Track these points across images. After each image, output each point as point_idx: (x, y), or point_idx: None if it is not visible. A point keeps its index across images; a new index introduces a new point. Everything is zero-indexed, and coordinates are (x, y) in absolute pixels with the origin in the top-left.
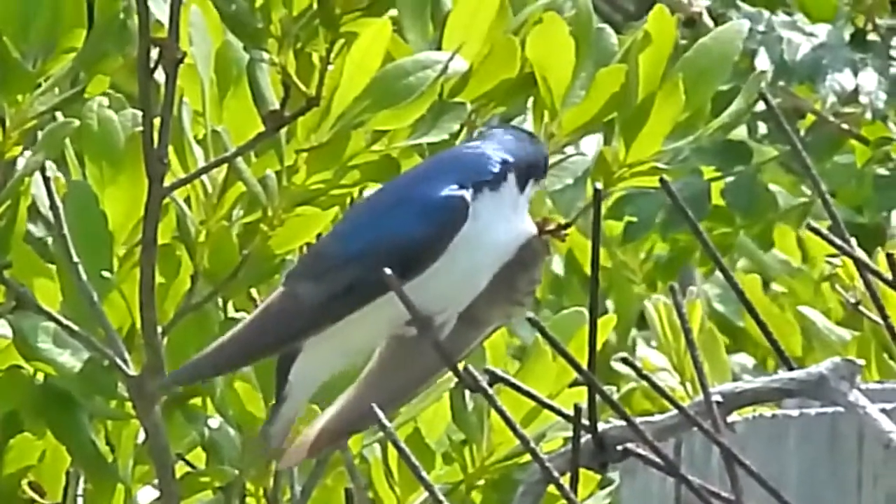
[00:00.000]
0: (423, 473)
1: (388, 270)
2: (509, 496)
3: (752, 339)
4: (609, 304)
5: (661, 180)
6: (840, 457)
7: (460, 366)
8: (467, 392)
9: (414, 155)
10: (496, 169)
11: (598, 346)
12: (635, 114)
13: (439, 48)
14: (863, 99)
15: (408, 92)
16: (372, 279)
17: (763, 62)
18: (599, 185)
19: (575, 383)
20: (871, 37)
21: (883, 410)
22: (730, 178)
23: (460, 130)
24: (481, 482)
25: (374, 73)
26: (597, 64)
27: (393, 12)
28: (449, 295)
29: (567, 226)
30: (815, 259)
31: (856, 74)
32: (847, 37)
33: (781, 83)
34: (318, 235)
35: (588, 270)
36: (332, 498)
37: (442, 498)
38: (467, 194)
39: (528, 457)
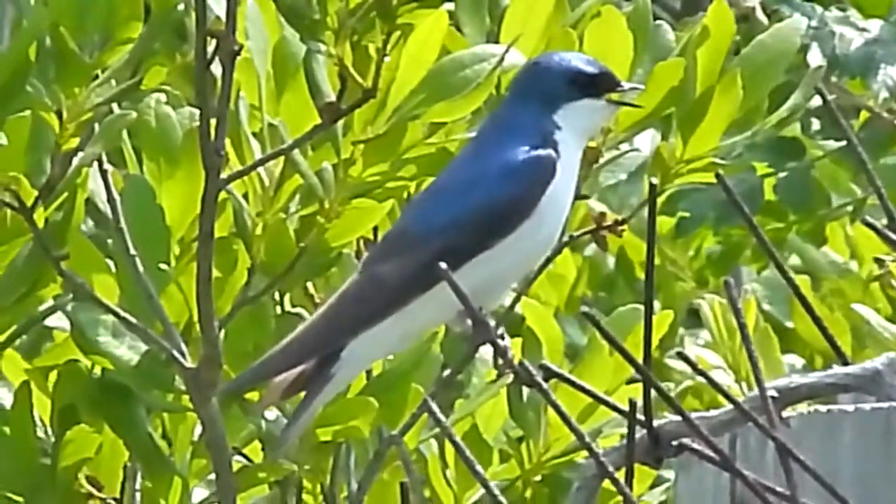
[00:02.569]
0: (479, 469)
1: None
2: (559, 493)
3: (801, 341)
4: (656, 302)
5: (717, 175)
6: (895, 452)
7: (516, 361)
8: (524, 388)
9: None
10: (553, 132)
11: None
12: (693, 109)
13: (497, 42)
14: None
15: (464, 84)
16: (462, 245)
17: (815, 57)
18: (655, 181)
19: (631, 380)
20: None
21: None
22: (783, 175)
23: None
24: (538, 478)
25: (430, 66)
26: (654, 59)
27: (450, 6)
28: (534, 256)
29: (624, 221)
30: (862, 258)
31: None
32: None
33: (834, 79)
34: (375, 228)
35: (637, 269)
36: (388, 493)
37: (498, 493)
38: (553, 153)
39: (584, 453)
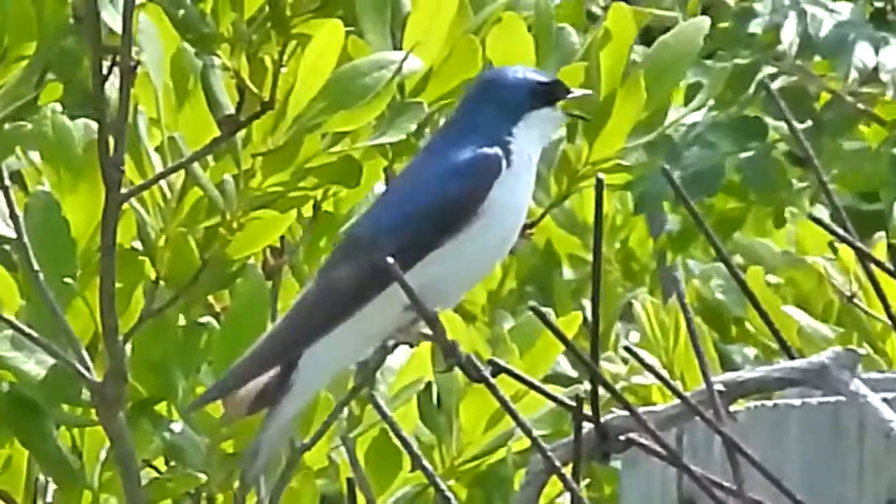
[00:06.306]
0: (425, 462)
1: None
2: (492, 492)
3: (753, 331)
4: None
5: (663, 169)
6: (841, 446)
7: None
8: (435, 394)
9: (375, 156)
10: (508, 139)
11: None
12: (597, 112)
13: (400, 49)
14: (884, 77)
15: (364, 92)
16: (411, 244)
17: (788, 35)
18: (602, 176)
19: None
20: (890, 17)
21: (884, 400)
22: (745, 154)
23: (419, 130)
24: (451, 482)
25: (328, 75)
26: (558, 62)
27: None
28: (487, 257)
29: (532, 225)
30: (807, 251)
31: (877, 52)
32: (867, 16)
33: (798, 62)
34: (282, 238)
35: (564, 260)
36: (299, 501)
37: (439, 482)
38: (499, 152)
39: (496, 455)
